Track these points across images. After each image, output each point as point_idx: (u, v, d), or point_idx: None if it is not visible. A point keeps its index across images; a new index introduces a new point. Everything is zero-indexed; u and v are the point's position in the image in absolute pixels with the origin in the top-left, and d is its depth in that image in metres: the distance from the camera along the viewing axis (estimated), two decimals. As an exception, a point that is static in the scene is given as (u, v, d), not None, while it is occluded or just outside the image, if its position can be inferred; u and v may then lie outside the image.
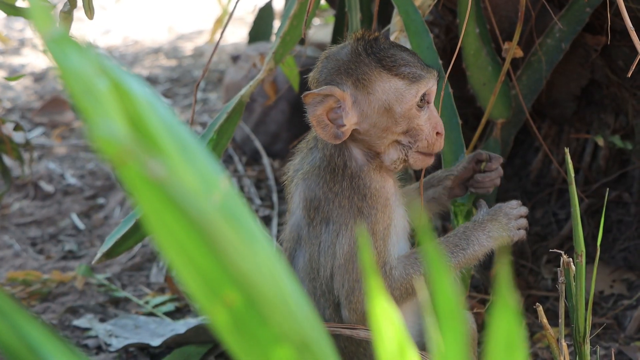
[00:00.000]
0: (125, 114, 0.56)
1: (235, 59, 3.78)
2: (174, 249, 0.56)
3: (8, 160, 3.41)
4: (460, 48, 2.33)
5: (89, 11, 1.94)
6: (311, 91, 1.70)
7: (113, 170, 3.69)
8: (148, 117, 0.57)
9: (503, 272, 0.65)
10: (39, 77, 5.03)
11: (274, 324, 0.58)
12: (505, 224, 1.82)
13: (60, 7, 2.04)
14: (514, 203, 1.86)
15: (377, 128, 1.74)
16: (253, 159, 3.68)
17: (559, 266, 1.63)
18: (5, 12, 2.22)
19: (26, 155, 3.45)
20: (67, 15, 1.95)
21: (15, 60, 5.34)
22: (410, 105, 1.74)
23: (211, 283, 0.57)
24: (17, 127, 2.96)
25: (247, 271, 0.56)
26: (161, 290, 2.81)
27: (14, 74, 5.06)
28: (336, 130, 1.70)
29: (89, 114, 0.54)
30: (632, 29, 1.87)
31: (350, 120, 1.70)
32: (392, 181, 1.78)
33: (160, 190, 0.53)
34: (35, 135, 4.20)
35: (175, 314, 2.66)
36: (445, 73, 2.04)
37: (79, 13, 2.08)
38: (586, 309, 1.63)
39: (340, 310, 1.73)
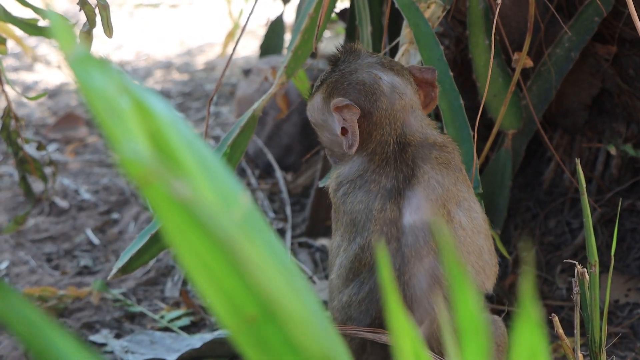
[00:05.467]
0: (148, 132, 0.57)
1: (246, 72, 3.80)
2: (198, 268, 0.57)
3: (29, 178, 3.43)
4: (470, 59, 2.35)
5: (108, 30, 1.96)
6: None
7: (127, 185, 3.71)
8: (170, 135, 0.58)
9: (526, 283, 0.65)
10: (52, 94, 5.07)
11: (296, 339, 0.59)
12: None
13: (79, 26, 2.06)
14: None
15: None
16: (266, 172, 3.69)
17: (573, 276, 1.63)
18: (26, 32, 2.24)
19: (49, 173, 3.45)
20: (87, 34, 1.97)
21: (28, 77, 5.38)
22: None
23: (234, 300, 0.58)
24: (40, 147, 2.96)
25: (268, 287, 0.57)
26: (176, 305, 2.82)
27: (28, 90, 5.09)
28: None
29: (113, 134, 0.55)
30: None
31: None
32: None
33: (185, 211, 0.54)
34: (50, 151, 4.22)
35: (190, 328, 2.67)
36: (456, 85, 2.05)
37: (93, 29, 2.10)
38: (601, 319, 1.63)
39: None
